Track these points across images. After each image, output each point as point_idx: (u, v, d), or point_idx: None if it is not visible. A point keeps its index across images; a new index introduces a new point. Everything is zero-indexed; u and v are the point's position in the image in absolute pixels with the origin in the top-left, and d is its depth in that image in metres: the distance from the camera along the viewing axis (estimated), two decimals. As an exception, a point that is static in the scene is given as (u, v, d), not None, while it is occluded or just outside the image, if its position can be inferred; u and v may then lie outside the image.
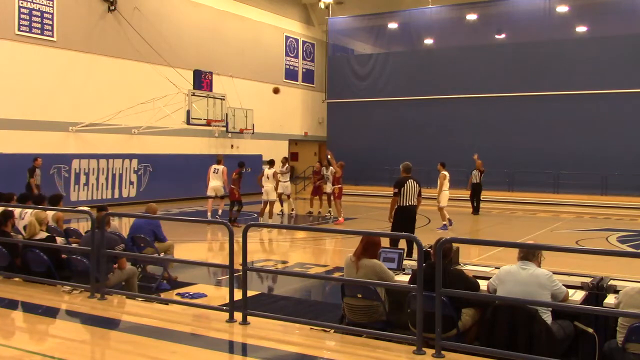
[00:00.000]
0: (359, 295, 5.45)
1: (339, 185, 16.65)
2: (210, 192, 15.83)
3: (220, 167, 15.78)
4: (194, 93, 20.00)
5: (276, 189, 16.25)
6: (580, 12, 25.01)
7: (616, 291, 5.11)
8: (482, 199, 19.34)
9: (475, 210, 18.93)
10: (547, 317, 4.82)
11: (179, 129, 20.62)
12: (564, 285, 4.97)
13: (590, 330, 4.92)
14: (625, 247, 13.24)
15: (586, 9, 25.16)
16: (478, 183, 18.77)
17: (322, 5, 28.60)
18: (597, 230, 15.84)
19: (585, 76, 23.32)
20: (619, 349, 4.57)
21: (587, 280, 5.37)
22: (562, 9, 24.85)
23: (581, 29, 25.39)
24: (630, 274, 6.46)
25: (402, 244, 9.41)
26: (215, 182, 15.70)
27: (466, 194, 19.75)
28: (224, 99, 21.01)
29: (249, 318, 5.58)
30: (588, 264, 8.74)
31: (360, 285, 5.44)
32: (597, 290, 5.26)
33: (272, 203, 15.98)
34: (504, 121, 24.76)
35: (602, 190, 22.69)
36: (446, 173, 15.69)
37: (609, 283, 5.32)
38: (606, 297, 5.14)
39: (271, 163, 16.28)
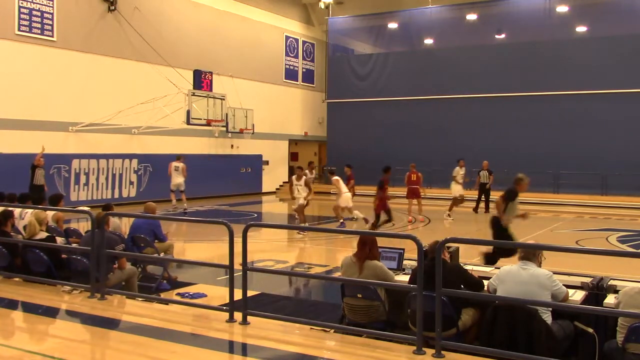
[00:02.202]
0: (359, 295, 5.45)
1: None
2: (173, 187, 18.32)
3: (181, 165, 18.28)
4: (194, 93, 19.99)
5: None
6: (580, 12, 24.98)
7: (616, 291, 5.11)
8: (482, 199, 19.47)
9: (486, 209, 18.97)
10: (547, 317, 4.82)
11: (179, 129, 20.63)
12: (564, 285, 4.97)
13: (590, 330, 4.92)
14: (625, 247, 13.23)
15: (586, 9, 25.12)
16: (486, 183, 18.88)
17: (322, 5, 28.59)
18: (597, 230, 15.83)
19: (585, 76, 23.29)
20: (619, 349, 4.58)
21: (587, 280, 5.37)
22: (562, 9, 24.82)
23: (581, 29, 25.38)
24: (630, 274, 6.45)
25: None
26: (179, 179, 18.19)
27: (474, 194, 19.84)
28: (224, 99, 21.01)
29: (249, 318, 5.58)
30: (588, 264, 8.72)
31: (360, 285, 5.45)
32: (597, 290, 5.26)
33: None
34: (504, 121, 24.72)
35: (602, 190, 22.67)
36: (338, 178, 15.59)
37: (609, 283, 5.32)
38: (606, 297, 5.14)
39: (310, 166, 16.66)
